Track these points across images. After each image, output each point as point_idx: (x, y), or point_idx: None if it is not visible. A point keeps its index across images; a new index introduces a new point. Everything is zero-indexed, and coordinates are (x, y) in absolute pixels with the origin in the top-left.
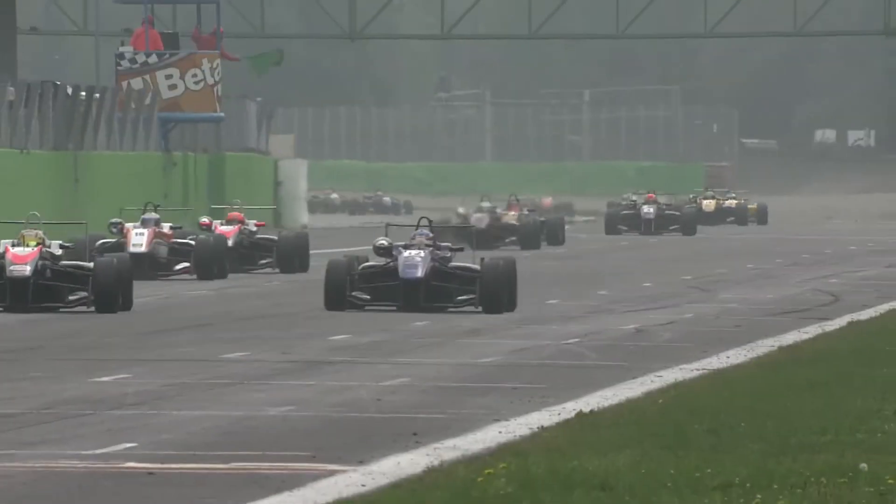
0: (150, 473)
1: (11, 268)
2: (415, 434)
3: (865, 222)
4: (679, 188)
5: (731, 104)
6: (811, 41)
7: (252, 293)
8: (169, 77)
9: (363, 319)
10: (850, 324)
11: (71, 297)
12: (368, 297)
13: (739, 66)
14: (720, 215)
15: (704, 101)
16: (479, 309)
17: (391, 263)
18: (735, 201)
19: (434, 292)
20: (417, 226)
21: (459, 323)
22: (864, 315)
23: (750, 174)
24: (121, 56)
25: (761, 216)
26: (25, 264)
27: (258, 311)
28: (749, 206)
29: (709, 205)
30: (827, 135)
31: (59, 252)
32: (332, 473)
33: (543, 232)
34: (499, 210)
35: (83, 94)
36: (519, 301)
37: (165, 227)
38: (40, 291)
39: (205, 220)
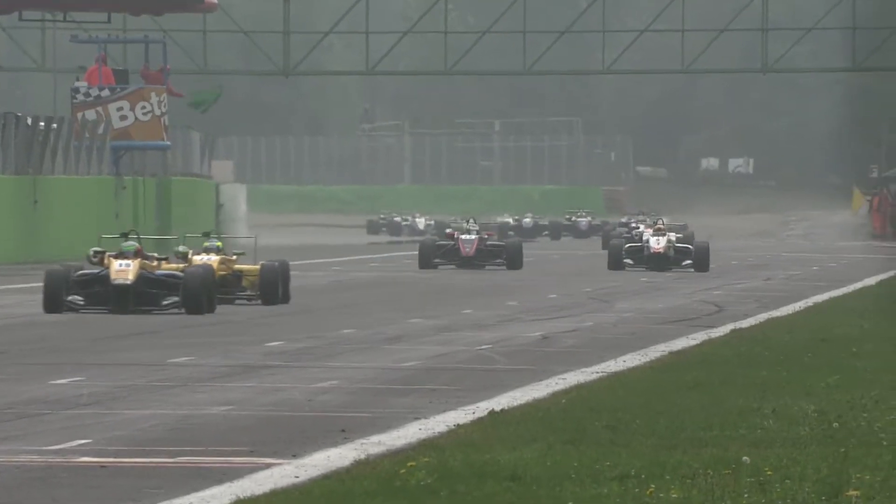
0: (103, 466)
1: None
2: (343, 431)
3: (744, 240)
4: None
5: (627, 134)
6: (697, 78)
7: None
8: (120, 109)
9: (296, 328)
10: (733, 331)
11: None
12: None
13: (634, 100)
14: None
15: (603, 131)
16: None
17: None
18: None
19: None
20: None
21: (383, 330)
22: (746, 323)
23: (644, 198)
24: (76, 90)
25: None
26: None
27: (202, 321)
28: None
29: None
30: (710, 162)
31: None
32: (268, 466)
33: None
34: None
35: (42, 124)
36: (437, 311)
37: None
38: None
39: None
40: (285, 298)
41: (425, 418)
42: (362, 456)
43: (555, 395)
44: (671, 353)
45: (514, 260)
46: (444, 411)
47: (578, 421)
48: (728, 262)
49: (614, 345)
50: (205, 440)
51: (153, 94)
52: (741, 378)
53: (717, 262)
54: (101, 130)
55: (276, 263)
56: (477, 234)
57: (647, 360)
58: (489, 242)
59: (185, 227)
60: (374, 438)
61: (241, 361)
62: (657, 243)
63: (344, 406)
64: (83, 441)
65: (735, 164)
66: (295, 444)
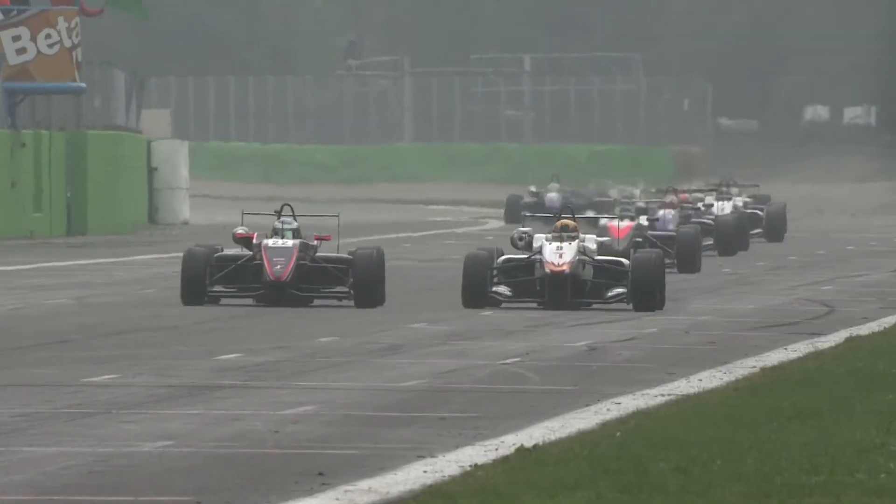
0: None
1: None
2: (321, 474)
3: (864, 217)
4: (644, 178)
5: (704, 75)
6: None
7: (125, 302)
8: (17, 39)
9: (257, 334)
10: (848, 340)
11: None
12: None
13: (714, 29)
14: None
15: (672, 71)
16: None
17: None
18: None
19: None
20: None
21: (375, 338)
22: (865, 329)
23: (726, 160)
24: None
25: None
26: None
27: (131, 325)
28: None
29: None
30: (818, 112)
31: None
32: None
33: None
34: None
35: None
36: (446, 312)
37: None
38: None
39: None
40: None
41: (432, 457)
42: None
43: (606, 426)
44: (763, 370)
45: (366, 287)
46: (457, 447)
47: (638, 460)
48: (842, 248)
49: (686, 358)
50: (134, 487)
51: (61, 20)
52: (858, 404)
53: (826, 247)
54: None
55: None
56: (295, 236)
57: (731, 378)
58: (319, 255)
59: (106, 199)
60: (363, 484)
61: (184, 380)
62: (556, 256)
63: (322, 440)
64: None
65: (851, 113)
66: (256, 491)
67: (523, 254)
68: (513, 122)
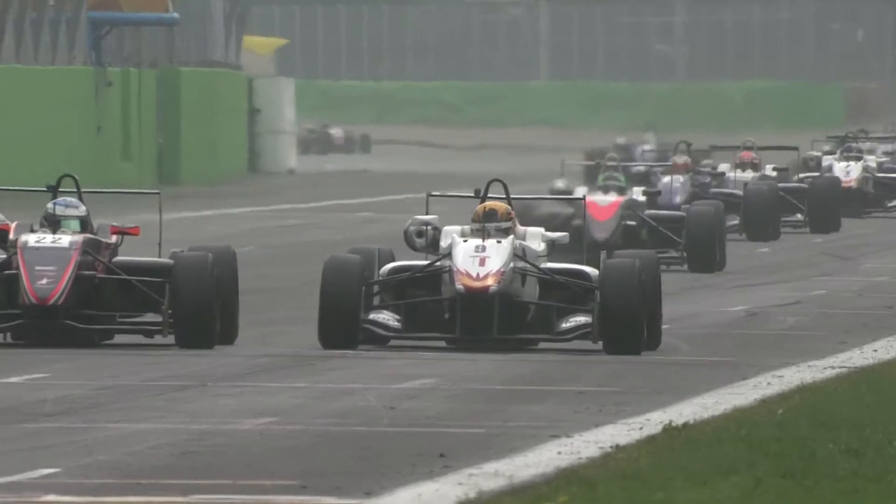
0: None
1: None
2: (442, 455)
3: None
4: (809, 119)
5: (883, 0)
6: None
7: None
8: None
9: None
10: None
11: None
12: None
13: None
14: None
15: None
16: None
17: None
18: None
19: None
20: None
21: None
22: None
23: None
24: None
25: None
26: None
27: None
28: None
29: None
30: None
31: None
32: None
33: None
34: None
35: None
36: None
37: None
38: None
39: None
40: None
41: (567, 436)
42: (472, 494)
43: (766, 403)
44: None
45: (194, 314)
46: (597, 426)
47: (803, 442)
48: None
49: (859, 325)
50: (232, 469)
51: None
52: None
53: None
54: None
55: None
56: (81, 229)
57: None
58: (119, 260)
59: (202, 144)
60: (489, 467)
61: (288, 349)
62: (475, 263)
63: (443, 417)
64: (48, 471)
65: None
66: (368, 474)
67: (424, 259)
68: (663, 57)
